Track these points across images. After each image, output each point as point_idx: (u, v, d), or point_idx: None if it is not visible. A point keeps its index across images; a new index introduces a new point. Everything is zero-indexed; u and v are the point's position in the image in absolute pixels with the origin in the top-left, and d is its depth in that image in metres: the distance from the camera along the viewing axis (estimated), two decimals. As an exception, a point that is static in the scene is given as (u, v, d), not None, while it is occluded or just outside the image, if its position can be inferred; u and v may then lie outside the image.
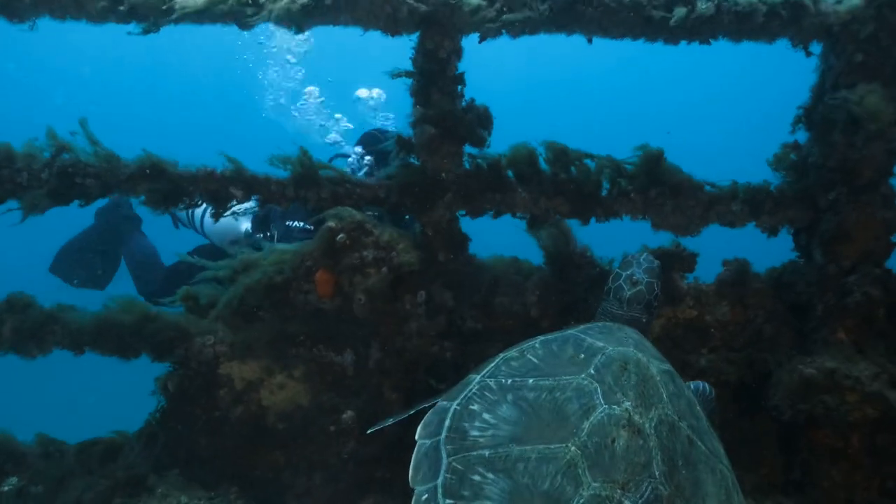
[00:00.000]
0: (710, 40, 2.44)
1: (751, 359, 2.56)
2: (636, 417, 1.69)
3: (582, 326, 2.07)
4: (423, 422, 1.72)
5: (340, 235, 2.32)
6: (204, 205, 3.56)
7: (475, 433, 1.63)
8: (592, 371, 1.78)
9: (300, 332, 2.59)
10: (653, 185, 2.45)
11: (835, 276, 2.38)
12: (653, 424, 1.69)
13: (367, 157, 3.74)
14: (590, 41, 2.54)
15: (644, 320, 2.31)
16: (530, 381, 1.77)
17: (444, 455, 1.57)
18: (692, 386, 2.27)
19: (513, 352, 1.92)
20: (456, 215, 2.58)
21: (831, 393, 2.21)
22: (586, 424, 1.66)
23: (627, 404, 1.71)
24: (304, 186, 2.55)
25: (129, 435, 2.85)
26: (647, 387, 1.78)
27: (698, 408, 1.91)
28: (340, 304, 2.45)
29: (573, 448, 1.60)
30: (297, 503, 2.73)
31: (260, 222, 4.00)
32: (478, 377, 1.81)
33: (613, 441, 1.64)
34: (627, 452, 1.61)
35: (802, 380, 2.27)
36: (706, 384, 2.35)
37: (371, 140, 3.87)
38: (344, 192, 2.56)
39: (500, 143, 2.60)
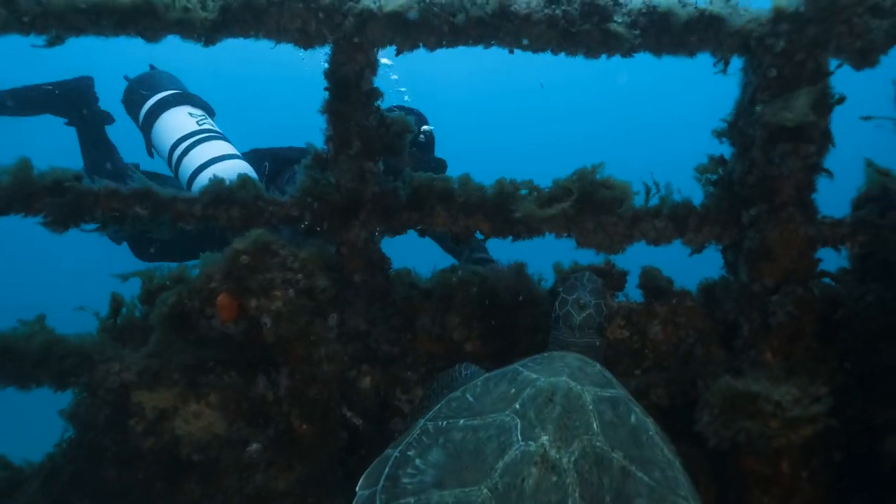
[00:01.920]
0: (632, 54, 2.39)
1: (681, 380, 2.47)
2: (552, 452, 1.62)
3: (528, 358, 2.03)
4: (367, 471, 1.75)
5: (244, 257, 2.21)
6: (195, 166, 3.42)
7: (406, 480, 1.65)
8: (518, 406, 1.74)
9: (210, 359, 2.46)
10: (574, 203, 2.37)
11: (759, 295, 2.30)
12: (572, 459, 1.62)
13: None
14: (511, 52, 2.48)
15: (598, 343, 2.25)
16: (461, 421, 1.76)
17: None
18: None
19: (457, 392, 1.92)
20: (373, 234, 2.48)
21: (753, 419, 2.11)
22: (500, 464, 1.61)
23: (544, 439, 1.64)
24: (213, 205, 2.44)
25: (36, 465, 2.70)
26: (573, 417, 1.71)
27: (652, 434, 1.80)
28: (247, 329, 2.33)
29: (485, 490, 1.57)
30: (212, 539, 2.58)
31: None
32: (422, 421, 1.82)
33: (523, 480, 1.58)
34: (537, 492, 1.55)
35: (725, 404, 2.18)
36: None
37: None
38: (255, 211, 2.46)
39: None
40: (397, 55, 2.44)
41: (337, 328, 2.34)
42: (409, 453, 1.73)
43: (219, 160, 3.49)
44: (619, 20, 2.28)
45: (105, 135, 4.35)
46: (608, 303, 2.58)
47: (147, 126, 3.87)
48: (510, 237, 2.47)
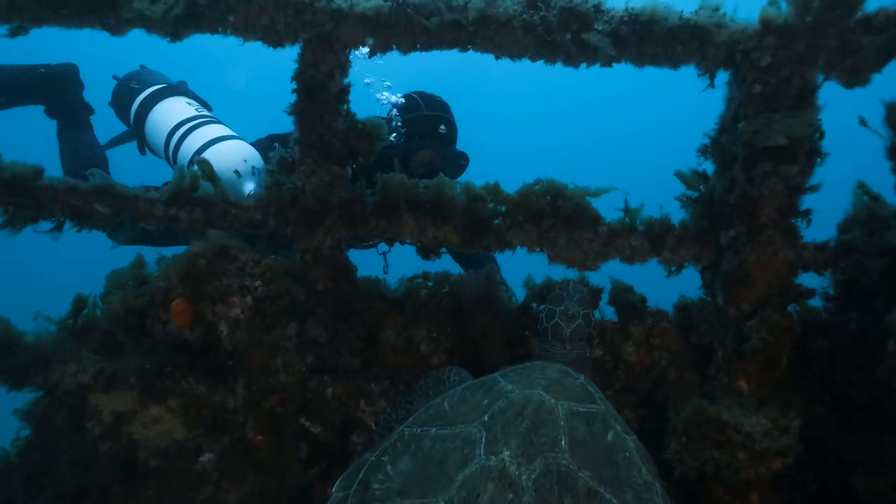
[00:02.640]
0: (613, 63, 2.29)
1: (651, 404, 2.38)
2: (511, 469, 1.57)
3: (511, 367, 2.00)
4: (344, 473, 1.76)
5: (201, 261, 2.13)
6: (197, 146, 3.24)
7: (375, 486, 1.65)
8: (486, 418, 1.71)
9: (167, 363, 2.39)
10: (546, 217, 2.28)
11: (734, 319, 2.21)
12: (533, 476, 1.56)
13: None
14: (497, 57, 2.39)
15: (588, 354, 2.19)
16: (433, 430, 1.74)
17: None
18: None
19: (437, 399, 1.90)
20: (339, 241, 2.40)
21: (722, 449, 2.03)
22: (460, 477, 1.58)
23: (505, 454, 1.60)
24: (175, 205, 2.37)
25: (-10, 465, 2.64)
26: (540, 433, 1.65)
27: (630, 454, 1.73)
28: (204, 335, 2.25)
29: (442, 503, 1.55)
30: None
31: None
32: (402, 426, 1.82)
33: (479, 495, 1.53)
34: None
35: (694, 432, 2.09)
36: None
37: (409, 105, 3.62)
38: (218, 213, 2.38)
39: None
40: (370, 57, 2.36)
41: (296, 338, 2.26)
42: (384, 458, 1.73)
43: (222, 140, 3.24)
44: (600, 28, 2.19)
45: (90, 127, 4.22)
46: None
47: (140, 119, 3.68)
48: (479, 250, 2.38)
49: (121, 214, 2.37)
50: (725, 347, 2.23)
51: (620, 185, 2.40)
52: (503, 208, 2.29)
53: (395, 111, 3.61)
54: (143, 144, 3.85)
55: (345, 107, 2.34)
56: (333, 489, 1.73)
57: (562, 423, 1.69)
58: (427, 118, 3.53)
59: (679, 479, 2.15)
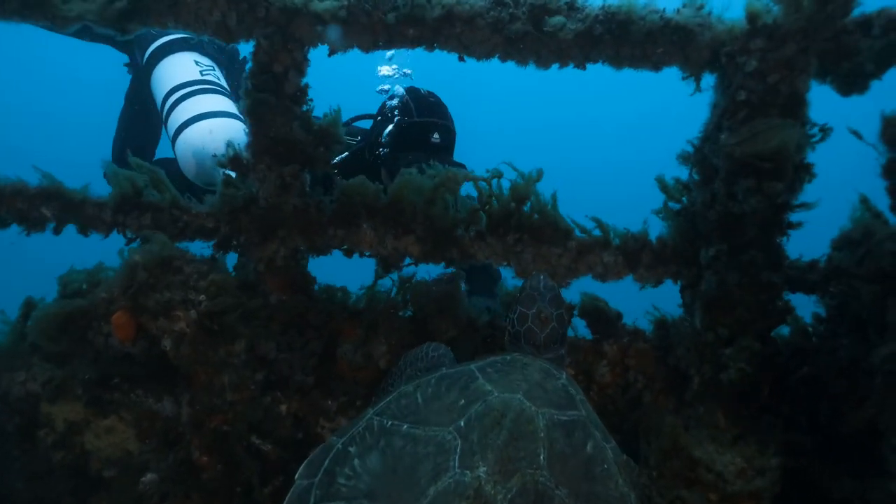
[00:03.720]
0: (586, 65, 2.12)
1: (623, 430, 2.23)
2: (487, 487, 1.48)
3: (489, 359, 1.86)
4: (308, 459, 1.66)
5: (142, 272, 2.01)
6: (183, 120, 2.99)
7: (341, 481, 1.56)
8: (462, 423, 1.60)
9: (114, 374, 2.29)
10: (511, 230, 2.12)
11: (712, 345, 2.04)
12: (509, 496, 1.47)
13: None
14: (461, 59, 2.23)
15: (563, 353, 2.04)
16: (405, 427, 1.63)
17: (311, 501, 1.54)
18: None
19: (409, 387, 1.78)
20: (295, 252, 2.27)
21: (692, 488, 1.88)
22: (432, 490, 1.49)
23: (481, 471, 1.50)
24: (123, 211, 2.25)
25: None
26: (519, 447, 1.56)
27: (608, 466, 1.64)
28: (148, 349, 2.14)
29: None
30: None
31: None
32: (371, 412, 1.71)
33: None
34: None
35: (664, 467, 1.94)
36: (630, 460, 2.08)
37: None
38: (168, 220, 2.26)
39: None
40: (330, 55, 2.21)
41: (245, 353, 2.14)
42: (351, 449, 1.61)
43: (210, 116, 2.96)
44: (573, 27, 2.02)
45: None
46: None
47: (148, 73, 3.37)
48: (442, 263, 2.24)
49: (67, 220, 2.26)
50: (702, 375, 2.06)
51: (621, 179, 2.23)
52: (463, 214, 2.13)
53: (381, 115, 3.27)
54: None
55: (304, 108, 2.21)
56: (297, 475, 1.65)
57: (541, 434, 1.59)
58: (417, 126, 3.12)
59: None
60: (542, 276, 2.07)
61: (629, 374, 2.31)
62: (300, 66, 2.17)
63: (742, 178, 1.91)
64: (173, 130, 3.07)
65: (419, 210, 2.20)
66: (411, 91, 3.27)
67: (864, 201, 2.13)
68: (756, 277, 1.98)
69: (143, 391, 2.29)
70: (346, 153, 3.19)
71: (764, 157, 1.88)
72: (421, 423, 1.62)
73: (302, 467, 1.64)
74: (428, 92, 3.29)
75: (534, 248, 2.13)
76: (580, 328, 2.41)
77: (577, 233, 2.20)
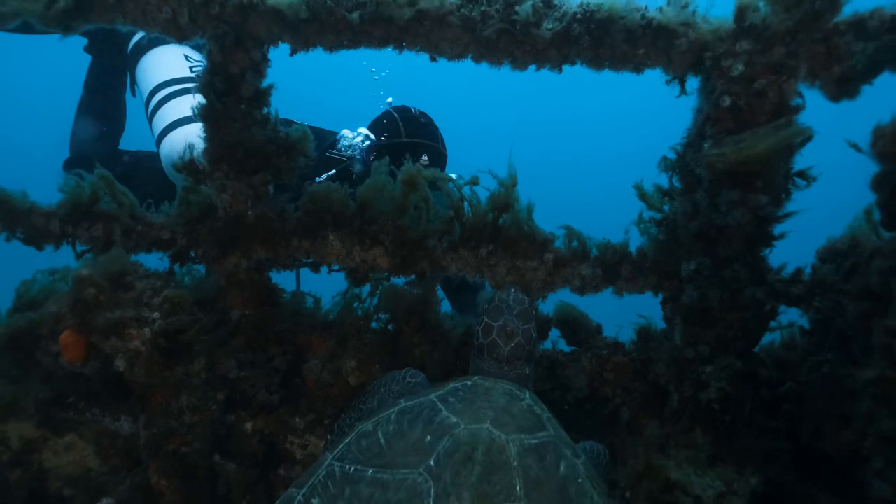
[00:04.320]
0: (563, 66, 2.00)
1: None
2: None
3: (450, 386, 1.79)
4: None
5: (90, 290, 1.89)
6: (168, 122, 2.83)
7: None
8: (432, 463, 1.53)
9: (68, 393, 2.18)
10: (483, 242, 2.02)
11: (692, 362, 1.96)
12: None
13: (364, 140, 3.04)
14: (433, 59, 2.10)
15: (527, 372, 1.96)
16: (370, 472, 1.55)
17: None
18: (586, 447, 1.97)
19: (368, 425, 1.70)
20: (259, 264, 2.15)
21: (667, 512, 1.81)
22: None
23: None
24: (72, 222, 2.12)
25: None
26: (494, 480, 1.51)
27: (582, 482, 1.61)
28: (101, 369, 2.03)
29: None
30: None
31: None
32: (329, 457, 1.63)
33: None
34: None
35: (639, 489, 1.87)
36: (597, 444, 2.04)
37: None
38: (121, 231, 2.13)
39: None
40: (291, 55, 2.07)
41: (205, 372, 2.03)
42: (314, 501, 1.53)
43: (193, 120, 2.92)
44: (550, 26, 1.89)
45: (123, 90, 3.61)
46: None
47: (134, 59, 3.22)
48: (413, 276, 2.13)
49: (13, 230, 2.12)
50: (682, 393, 1.99)
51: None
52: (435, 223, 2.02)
53: (362, 138, 3.04)
54: (134, 86, 3.40)
55: (264, 111, 2.07)
56: None
57: (514, 464, 1.54)
58: (405, 147, 2.91)
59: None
60: (513, 289, 1.98)
61: (607, 389, 2.23)
62: (258, 67, 2.03)
63: (726, 190, 1.81)
64: (159, 130, 2.91)
65: (389, 219, 2.09)
66: (401, 110, 3.11)
67: (869, 214, 2.03)
68: (739, 294, 1.89)
69: (99, 410, 2.18)
70: (333, 170, 3.03)
71: (749, 165, 1.77)
72: (387, 467, 1.53)
73: None
74: (420, 112, 3.12)
75: (508, 261, 2.03)
76: (560, 343, 2.33)
77: (557, 244, 2.09)
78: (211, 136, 2.02)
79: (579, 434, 2.24)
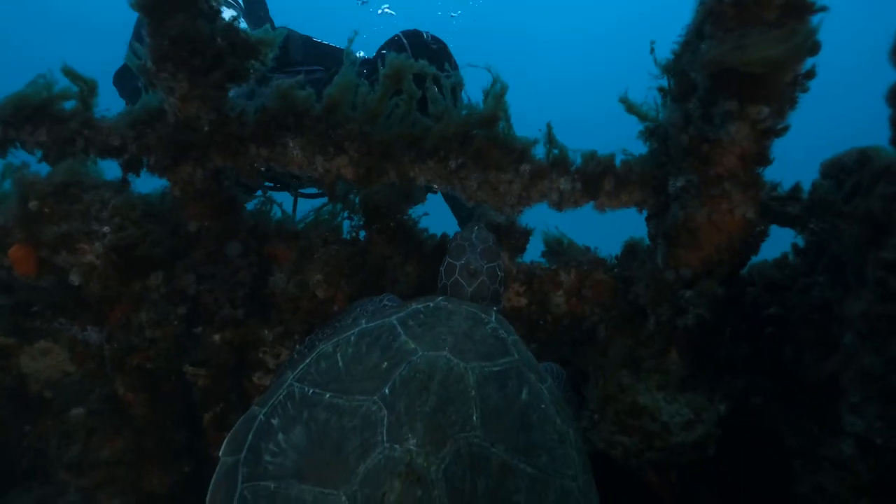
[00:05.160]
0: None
1: (573, 364, 2.11)
2: (419, 461, 1.41)
3: (412, 307, 1.73)
4: (231, 432, 1.56)
5: (33, 202, 1.78)
6: None
7: (268, 458, 1.49)
8: (387, 391, 1.50)
9: (32, 302, 2.14)
10: (452, 153, 1.85)
11: (672, 285, 1.85)
12: (442, 466, 1.42)
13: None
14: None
15: (494, 310, 1.89)
16: (327, 396, 1.52)
17: (239, 479, 1.46)
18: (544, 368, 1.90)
19: (329, 346, 1.65)
20: (215, 172, 2.02)
21: (633, 437, 1.77)
22: (362, 468, 1.42)
23: (411, 443, 1.43)
24: (15, 126, 1.97)
25: None
26: (449, 411, 1.48)
27: (545, 408, 1.58)
28: (57, 282, 1.97)
29: (343, 499, 1.39)
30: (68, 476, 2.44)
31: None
32: (290, 377, 1.60)
33: (384, 495, 1.39)
34: None
35: (607, 411, 1.83)
36: (554, 365, 2.01)
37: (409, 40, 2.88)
38: (65, 136, 1.98)
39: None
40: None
41: (164, 286, 1.96)
42: (274, 422, 1.53)
43: None
44: None
45: None
46: (505, 265, 2.16)
47: None
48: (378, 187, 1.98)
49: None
50: (658, 316, 1.89)
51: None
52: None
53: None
54: None
55: (212, 4, 1.84)
56: (221, 452, 1.57)
57: (472, 393, 1.50)
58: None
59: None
60: (476, 227, 1.87)
61: (585, 306, 2.15)
62: (200, -51, 1.78)
63: (722, 99, 1.60)
64: None
65: (355, 124, 1.92)
66: (411, 34, 2.86)
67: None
68: (728, 214, 1.74)
69: (66, 319, 2.14)
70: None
71: (753, 70, 1.55)
72: (344, 392, 1.49)
73: (225, 443, 1.55)
74: (432, 37, 2.85)
75: (480, 174, 1.87)
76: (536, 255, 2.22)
77: (535, 152, 1.92)
78: (153, 30, 1.81)
79: (556, 351, 2.20)
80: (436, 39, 2.86)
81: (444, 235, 2.19)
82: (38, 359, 2.37)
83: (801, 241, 2.05)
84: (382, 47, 2.87)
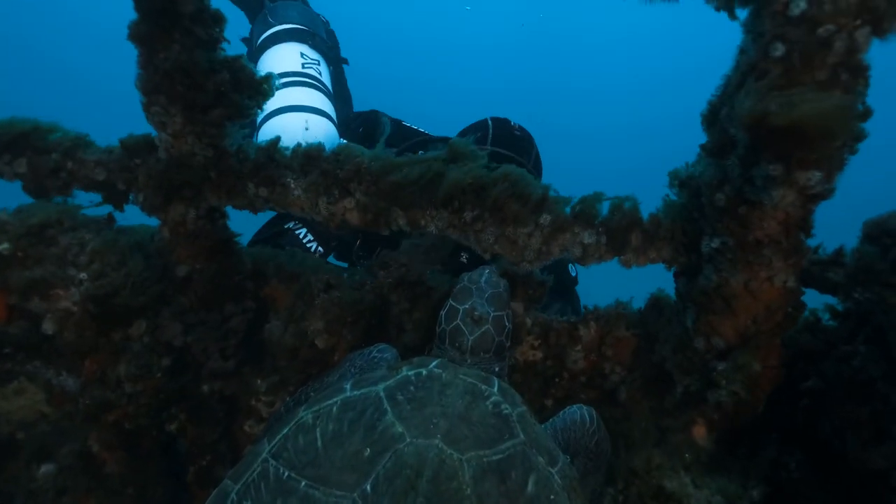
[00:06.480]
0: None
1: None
2: None
3: (403, 374, 1.54)
4: None
5: (4, 245, 1.62)
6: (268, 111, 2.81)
7: None
8: (368, 488, 1.33)
9: (7, 344, 1.97)
10: (467, 204, 1.70)
11: (702, 354, 1.70)
12: None
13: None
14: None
15: (497, 369, 1.72)
16: (302, 485, 1.36)
17: None
18: (568, 416, 1.71)
19: (309, 416, 1.49)
20: (210, 211, 1.86)
21: (658, 522, 1.62)
22: None
23: None
24: (-9, 156, 1.81)
25: None
26: None
27: (556, 497, 1.41)
28: (29, 329, 1.80)
29: None
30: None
31: None
32: (265, 450, 1.44)
33: None
34: None
35: (630, 492, 1.68)
36: (585, 411, 1.74)
37: None
38: (49, 169, 1.82)
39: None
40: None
41: (148, 336, 1.80)
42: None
43: (295, 110, 2.87)
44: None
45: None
46: (518, 317, 2.01)
47: (257, 56, 3.35)
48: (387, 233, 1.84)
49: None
50: (686, 385, 1.74)
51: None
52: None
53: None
54: None
55: (206, 33, 1.70)
56: None
57: (468, 491, 1.32)
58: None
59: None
60: (487, 269, 1.71)
61: (605, 364, 2.00)
62: (200, -26, 1.64)
63: (765, 161, 1.46)
64: (261, 116, 2.88)
65: (364, 162, 1.77)
66: (498, 120, 2.82)
67: None
68: (767, 282, 1.59)
69: (40, 363, 1.98)
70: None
71: (805, 130, 1.41)
72: (321, 482, 1.33)
73: None
74: (518, 126, 2.82)
75: (496, 228, 1.72)
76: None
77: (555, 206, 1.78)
78: (145, 60, 1.66)
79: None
80: (521, 129, 2.83)
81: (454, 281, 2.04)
82: (10, 399, 2.19)
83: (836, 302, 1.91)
84: (468, 129, 2.82)
